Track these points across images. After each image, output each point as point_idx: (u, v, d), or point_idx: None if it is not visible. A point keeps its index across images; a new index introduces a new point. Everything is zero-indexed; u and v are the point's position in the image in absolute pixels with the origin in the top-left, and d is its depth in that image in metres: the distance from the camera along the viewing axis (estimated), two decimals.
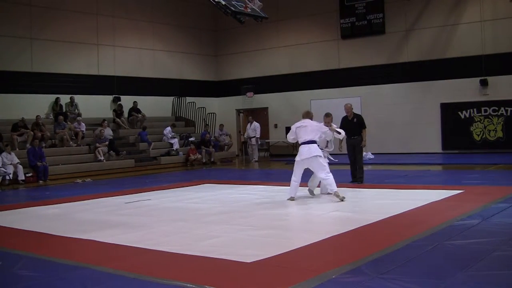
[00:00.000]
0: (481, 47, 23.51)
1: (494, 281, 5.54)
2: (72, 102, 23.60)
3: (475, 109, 23.65)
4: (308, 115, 12.22)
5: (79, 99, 23.90)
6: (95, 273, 6.54)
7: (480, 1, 23.62)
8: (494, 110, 23.26)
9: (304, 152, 11.73)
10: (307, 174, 12.20)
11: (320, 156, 11.76)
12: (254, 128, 26.38)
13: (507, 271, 5.88)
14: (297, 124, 12.04)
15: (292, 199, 11.96)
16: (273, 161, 26.64)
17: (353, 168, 14.79)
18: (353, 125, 14.60)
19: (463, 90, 23.81)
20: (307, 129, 11.80)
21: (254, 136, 26.17)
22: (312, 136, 11.75)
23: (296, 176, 11.99)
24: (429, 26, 24.81)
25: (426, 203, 10.77)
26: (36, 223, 10.41)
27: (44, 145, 20.71)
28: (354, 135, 14.52)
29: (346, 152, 14.86)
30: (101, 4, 25.43)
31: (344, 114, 14.89)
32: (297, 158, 11.89)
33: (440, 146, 24.49)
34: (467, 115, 23.84)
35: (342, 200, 11.35)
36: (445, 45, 24.45)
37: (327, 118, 12.60)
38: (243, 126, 29.30)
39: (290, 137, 12.28)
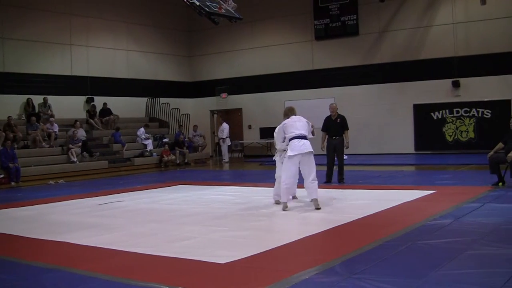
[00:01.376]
0: (453, 49, 23.73)
1: (466, 280, 5.58)
2: (45, 103, 23.39)
3: (447, 110, 23.86)
4: (293, 111, 11.08)
5: (52, 99, 23.66)
6: (68, 275, 6.50)
7: (453, 3, 23.84)
8: (466, 111, 23.48)
9: (297, 146, 10.27)
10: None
11: (313, 153, 10.50)
12: (222, 129, 26.45)
13: (478, 270, 5.95)
14: (284, 122, 10.81)
15: (286, 206, 10.54)
16: (247, 162, 26.64)
17: (329, 168, 14.81)
18: (336, 125, 14.67)
19: (435, 91, 24.02)
20: (297, 124, 10.58)
21: (222, 137, 26.21)
22: (305, 131, 10.53)
23: (288, 176, 10.48)
24: (402, 28, 24.98)
25: (399, 203, 10.85)
26: (8, 225, 10.30)
27: (16, 146, 20.49)
28: (336, 136, 14.57)
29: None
30: (74, 3, 25.20)
31: (326, 114, 14.95)
32: (289, 153, 10.32)
33: (413, 146, 24.67)
34: (440, 116, 24.04)
35: (318, 209, 10.35)
36: (418, 46, 24.63)
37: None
38: (217, 127, 29.31)
39: (279, 141, 10.91)
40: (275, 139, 11.21)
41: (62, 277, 6.43)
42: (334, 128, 14.64)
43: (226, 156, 26.48)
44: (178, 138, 25.72)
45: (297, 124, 10.61)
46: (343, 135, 14.72)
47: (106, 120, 25.44)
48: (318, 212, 10.31)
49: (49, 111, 23.36)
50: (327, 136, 14.77)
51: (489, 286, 5.37)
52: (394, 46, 25.23)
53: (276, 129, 11.11)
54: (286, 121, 10.77)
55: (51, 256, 7.59)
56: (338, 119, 14.77)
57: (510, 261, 6.20)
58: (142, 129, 25.47)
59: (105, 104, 25.70)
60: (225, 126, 26.59)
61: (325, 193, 12.96)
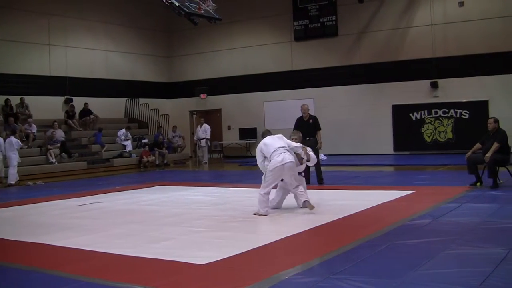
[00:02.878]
0: (431, 50, 23.89)
1: (444, 279, 5.62)
2: (22, 103, 23.20)
3: (426, 111, 24.01)
4: (269, 132, 11.05)
5: (30, 100, 23.47)
6: (47, 277, 6.46)
7: (431, 5, 24.00)
8: (444, 112, 23.63)
9: (279, 159, 10.10)
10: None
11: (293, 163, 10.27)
12: (204, 130, 26.37)
13: (456, 269, 5.98)
14: (265, 140, 10.62)
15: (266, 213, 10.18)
16: (226, 162, 26.62)
17: (305, 169, 14.75)
18: (309, 126, 14.57)
19: (414, 92, 24.17)
20: (277, 140, 10.50)
21: (204, 138, 26.15)
22: (284, 144, 10.40)
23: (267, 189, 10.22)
24: (381, 29, 25.11)
25: (378, 203, 10.91)
26: None
27: None
28: (308, 137, 14.45)
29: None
30: (53, 3, 25.04)
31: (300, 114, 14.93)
32: (275, 165, 10.09)
33: (392, 147, 24.80)
34: (418, 117, 24.19)
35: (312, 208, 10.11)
36: (397, 47, 24.76)
37: (295, 136, 11.24)
38: (197, 127, 29.26)
39: (259, 160, 10.56)
40: (257, 157, 10.74)
41: (41, 279, 6.39)
42: (306, 129, 14.43)
43: (206, 157, 26.44)
44: (158, 139, 25.65)
45: (275, 142, 10.45)
46: (316, 135, 14.63)
47: (83, 121, 25.26)
48: (297, 213, 10.31)
49: (27, 111, 23.17)
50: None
51: (467, 285, 5.41)
52: (373, 47, 25.34)
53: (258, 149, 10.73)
54: (264, 142, 10.58)
55: (30, 258, 7.52)
56: (310, 120, 14.69)
57: (487, 260, 6.25)
58: (122, 130, 25.35)
59: (86, 104, 25.53)
60: (208, 127, 26.54)
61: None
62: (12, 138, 18.91)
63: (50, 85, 24.85)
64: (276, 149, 10.19)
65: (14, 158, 18.74)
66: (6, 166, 18.95)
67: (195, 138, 27.09)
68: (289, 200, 10.84)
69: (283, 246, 7.59)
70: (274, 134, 10.86)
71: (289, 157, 10.15)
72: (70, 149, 22.79)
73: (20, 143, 19.28)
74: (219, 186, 14.91)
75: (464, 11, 23.26)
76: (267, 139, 10.56)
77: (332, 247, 7.19)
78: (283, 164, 10.02)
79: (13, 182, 18.56)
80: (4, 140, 18.99)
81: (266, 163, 10.32)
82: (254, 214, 10.18)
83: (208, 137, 26.37)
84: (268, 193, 10.20)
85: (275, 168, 10.04)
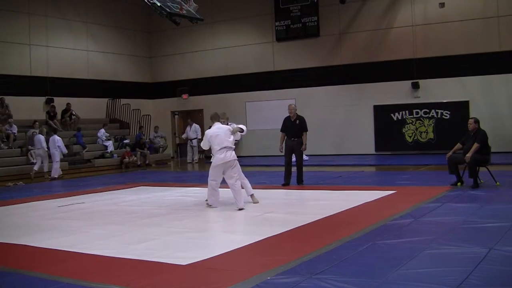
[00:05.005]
0: (412, 51, 24.02)
1: (425, 279, 5.66)
2: (2, 103, 23.02)
3: (407, 111, 24.13)
4: (217, 118, 11.72)
5: (10, 100, 23.27)
6: (27, 279, 6.43)
7: (412, 6, 24.13)
8: (425, 112, 23.77)
9: (222, 156, 11.15)
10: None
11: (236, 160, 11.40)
12: (195, 130, 26.46)
13: (437, 269, 6.02)
14: (208, 133, 11.43)
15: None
16: (208, 163, 26.49)
17: (286, 170, 14.70)
18: (295, 127, 14.51)
19: (395, 92, 24.30)
20: (219, 139, 11.23)
21: (196, 138, 26.17)
22: (227, 142, 11.24)
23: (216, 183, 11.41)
24: (363, 30, 25.21)
25: (359, 203, 10.95)
26: None
27: None
28: (294, 137, 14.43)
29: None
30: (33, 3, 24.89)
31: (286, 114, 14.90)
32: (217, 162, 11.22)
33: (373, 147, 24.90)
34: (400, 117, 24.31)
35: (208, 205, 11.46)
36: (378, 48, 24.87)
37: (224, 117, 11.91)
38: (179, 128, 29.21)
39: (206, 144, 11.57)
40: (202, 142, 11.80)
41: (21, 280, 6.36)
42: (292, 129, 14.50)
43: (196, 156, 26.60)
44: (139, 139, 25.58)
45: (219, 138, 11.24)
46: (302, 136, 14.59)
47: (64, 122, 25.10)
48: (278, 213, 10.37)
49: (7, 111, 23.00)
50: (285, 137, 14.69)
51: (448, 284, 5.44)
52: (354, 47, 25.43)
53: (202, 142, 11.82)
54: (210, 133, 11.40)
55: (10, 260, 7.49)
56: (297, 121, 14.57)
57: (468, 259, 6.29)
58: (102, 130, 25.25)
59: (68, 104, 25.36)
60: (198, 127, 26.64)
61: (285, 195, 13.07)
62: (55, 136, 20.80)
63: (31, 85, 24.68)
64: (222, 148, 11.11)
65: (57, 154, 20.56)
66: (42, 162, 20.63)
67: (183, 137, 27.14)
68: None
69: (265, 247, 7.59)
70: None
71: (230, 156, 11.17)
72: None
73: (62, 141, 20.96)
74: (201, 186, 14.88)
75: (445, 12, 23.43)
76: (216, 131, 11.33)
77: (313, 247, 7.21)
78: (225, 162, 11.12)
79: (56, 176, 20.41)
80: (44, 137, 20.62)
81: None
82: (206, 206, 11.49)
83: (200, 137, 26.41)
84: (218, 184, 11.37)
85: (219, 165, 11.17)
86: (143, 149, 25.33)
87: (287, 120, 14.73)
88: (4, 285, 6.18)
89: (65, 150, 21.29)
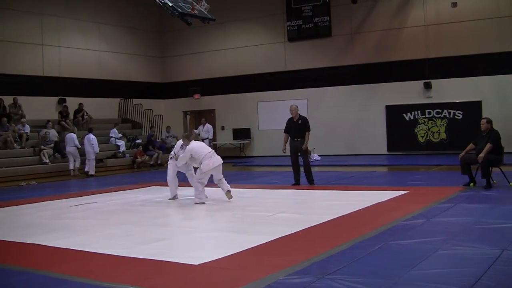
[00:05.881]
0: (424, 51, 23.93)
1: (437, 279, 5.63)
2: (15, 104, 23.12)
3: (419, 111, 24.05)
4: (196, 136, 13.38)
5: (23, 100, 23.39)
6: (40, 278, 6.43)
7: (424, 6, 24.05)
8: (437, 113, 23.68)
9: (211, 163, 11.97)
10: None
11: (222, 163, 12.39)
12: (207, 130, 26.53)
13: (450, 270, 5.99)
14: (190, 148, 12.14)
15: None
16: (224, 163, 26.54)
17: (295, 171, 14.72)
18: (297, 127, 14.52)
19: (407, 92, 24.22)
20: (204, 146, 12.43)
21: (207, 138, 26.22)
22: (210, 150, 12.30)
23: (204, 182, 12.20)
24: (374, 30, 25.14)
25: (371, 204, 10.91)
26: None
27: None
28: (297, 137, 14.44)
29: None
30: (46, 3, 24.99)
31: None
32: (210, 167, 11.96)
33: (385, 147, 24.83)
34: (412, 117, 24.22)
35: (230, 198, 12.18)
36: (390, 48, 24.79)
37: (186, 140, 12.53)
38: (190, 128, 29.20)
39: (186, 159, 12.28)
40: (182, 159, 12.39)
41: (33, 280, 6.37)
42: (295, 129, 14.54)
43: None
44: (149, 139, 25.60)
45: (205, 146, 12.50)
46: (304, 136, 14.57)
47: (76, 121, 25.17)
48: (290, 213, 10.42)
49: (20, 111, 23.11)
50: (289, 138, 14.71)
51: (460, 285, 5.41)
52: (366, 47, 25.37)
53: (183, 154, 12.34)
54: (194, 145, 12.17)
55: (22, 259, 7.51)
56: (299, 121, 14.59)
57: (481, 260, 6.26)
58: (114, 130, 25.28)
59: (80, 104, 25.46)
60: (210, 127, 26.69)
61: (296, 195, 13.07)
62: (90, 135, 21.69)
63: (43, 85, 24.78)
64: (206, 154, 11.96)
65: (92, 153, 21.47)
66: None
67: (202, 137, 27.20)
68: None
69: (277, 247, 7.58)
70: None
71: (219, 159, 12.14)
72: (64, 150, 22.71)
73: (96, 139, 21.92)
74: (213, 186, 14.89)
75: (457, 12, 23.33)
76: (196, 144, 12.30)
77: (325, 248, 7.20)
78: (218, 166, 12.04)
79: (93, 173, 21.36)
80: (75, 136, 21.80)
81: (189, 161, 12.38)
82: (195, 203, 11.97)
83: (211, 137, 26.51)
84: (204, 185, 12.11)
85: (208, 171, 11.92)
86: (154, 148, 25.29)
87: (289, 121, 14.78)
88: (17, 284, 6.21)
89: (97, 149, 21.99)
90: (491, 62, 22.69)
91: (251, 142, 28.32)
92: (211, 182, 12.45)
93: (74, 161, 21.52)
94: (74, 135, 21.73)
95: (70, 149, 21.48)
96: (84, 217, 10.88)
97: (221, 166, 12.21)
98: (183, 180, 12.71)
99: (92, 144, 21.50)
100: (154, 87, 30.48)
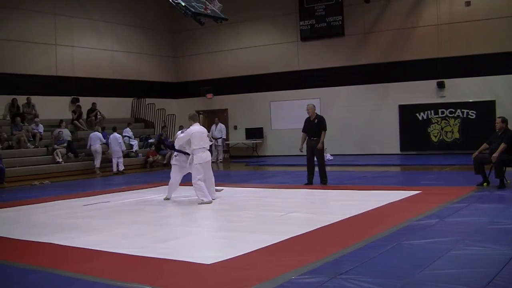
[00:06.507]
0: (438, 50, 23.84)
1: (450, 280, 5.61)
2: (28, 103, 23.25)
3: (432, 111, 23.96)
4: (197, 116, 13.01)
5: (36, 100, 23.53)
6: (53, 276, 6.46)
7: (437, 5, 23.95)
8: (451, 112, 23.58)
9: (204, 156, 12.19)
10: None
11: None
12: (220, 130, 26.67)
13: (463, 270, 5.97)
14: (192, 130, 12.26)
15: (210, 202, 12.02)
16: (233, 162, 26.65)
17: (308, 170, 14.74)
18: (314, 126, 14.57)
19: (420, 92, 24.12)
20: (203, 138, 12.31)
21: (221, 137, 26.26)
22: (205, 145, 12.31)
23: (202, 178, 12.15)
24: (387, 29, 25.07)
25: (384, 203, 10.89)
26: None
27: (0, 146, 20.39)
28: (313, 137, 14.49)
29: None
30: (59, 3, 25.09)
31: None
32: (199, 161, 12.10)
33: (398, 147, 24.75)
34: (425, 117, 24.14)
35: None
36: (403, 47, 24.71)
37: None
38: (207, 127, 29.21)
39: (184, 140, 12.49)
40: (180, 140, 12.65)
41: (47, 278, 6.40)
42: (311, 129, 14.61)
43: (221, 156, 26.84)
44: (159, 138, 25.63)
45: (204, 137, 12.32)
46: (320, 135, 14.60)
47: (89, 121, 25.29)
48: (302, 213, 10.44)
49: (33, 111, 23.24)
50: (307, 138, 14.74)
51: (474, 286, 5.39)
52: (379, 47, 25.31)
53: (183, 134, 12.65)
54: (195, 131, 12.22)
55: (36, 257, 7.54)
56: (316, 120, 14.65)
57: (494, 260, 6.23)
58: (127, 129, 25.33)
59: (94, 104, 25.57)
60: (223, 127, 26.89)
61: (309, 194, 13.05)
62: (116, 134, 22.74)
63: (57, 85, 24.89)
64: (202, 148, 12.10)
65: (120, 151, 22.50)
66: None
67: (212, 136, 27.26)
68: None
69: (289, 246, 7.58)
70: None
71: (208, 156, 12.29)
72: (77, 149, 22.83)
73: (121, 138, 23.22)
74: (226, 186, 14.90)
75: (471, 10, 23.21)
76: (201, 130, 12.34)
77: (337, 247, 7.19)
78: (208, 161, 12.24)
79: (122, 170, 22.35)
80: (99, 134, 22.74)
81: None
82: (199, 204, 11.84)
83: (224, 137, 26.60)
84: (203, 179, 12.01)
85: (202, 163, 12.04)
86: (164, 148, 25.30)
87: (307, 121, 14.83)
88: (30, 283, 6.23)
89: (124, 147, 23.24)
90: (505, 61, 22.56)
91: (263, 142, 28.31)
92: (218, 181, 12.47)
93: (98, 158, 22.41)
94: (99, 134, 22.56)
95: (96, 147, 22.28)
96: (96, 217, 10.92)
97: (210, 163, 12.49)
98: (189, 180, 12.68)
99: (120, 142, 22.61)
100: (167, 87, 30.55)
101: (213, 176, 12.57)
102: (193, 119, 12.55)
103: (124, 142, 24.74)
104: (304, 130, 14.85)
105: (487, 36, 22.92)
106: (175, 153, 13.20)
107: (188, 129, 12.37)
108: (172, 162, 13.34)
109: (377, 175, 17.24)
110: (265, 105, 27.92)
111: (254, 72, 28.43)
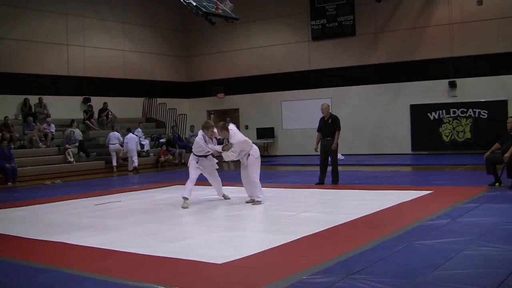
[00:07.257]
0: (449, 50, 23.76)
1: (462, 280, 5.59)
2: (40, 103, 23.35)
3: (444, 111, 23.88)
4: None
5: (48, 100, 23.63)
6: (64, 275, 6.48)
7: (449, 4, 23.87)
8: (462, 112, 23.51)
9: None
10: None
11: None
12: None
13: (475, 270, 5.95)
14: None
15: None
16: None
17: (320, 169, 14.72)
18: (327, 126, 14.56)
19: (432, 91, 24.04)
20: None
21: None
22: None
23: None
24: (399, 28, 25.00)
25: (395, 203, 10.86)
26: (4, 225, 10.26)
27: (12, 146, 20.48)
28: (327, 136, 14.48)
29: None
30: (71, 3, 25.18)
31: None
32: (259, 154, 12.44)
33: (410, 147, 24.69)
34: (436, 117, 24.07)
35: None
36: (415, 47, 24.64)
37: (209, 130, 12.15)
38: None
39: (243, 146, 12.11)
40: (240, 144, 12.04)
41: (58, 277, 6.41)
42: (325, 128, 14.60)
43: None
44: (169, 139, 25.65)
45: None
46: (334, 135, 14.58)
47: (101, 121, 25.37)
48: (314, 213, 10.43)
49: (45, 111, 23.33)
50: (321, 137, 14.74)
51: (486, 286, 5.37)
52: (390, 46, 25.25)
53: (238, 138, 12.05)
54: (240, 135, 12.16)
55: (47, 257, 7.57)
56: (330, 120, 14.64)
57: (506, 261, 6.21)
58: (138, 129, 25.37)
59: (105, 103, 25.66)
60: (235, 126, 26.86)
61: (320, 194, 13.04)
62: (132, 134, 23.46)
63: (68, 84, 24.98)
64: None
65: (135, 150, 23.16)
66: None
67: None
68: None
69: (300, 246, 7.57)
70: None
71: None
72: (88, 149, 22.91)
73: (138, 138, 24.09)
74: (237, 185, 14.90)
75: (482, 10, 23.08)
76: (238, 132, 12.24)
77: (349, 247, 7.17)
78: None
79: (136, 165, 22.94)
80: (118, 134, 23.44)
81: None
82: (253, 204, 11.60)
83: None
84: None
85: (259, 157, 12.24)
86: (174, 147, 25.29)
87: (321, 120, 14.82)
88: (41, 282, 6.25)
89: (139, 147, 24.03)
90: None
91: (275, 141, 28.31)
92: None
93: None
94: (118, 133, 23.29)
95: (114, 146, 23.14)
96: (108, 216, 10.94)
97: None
98: (201, 180, 12.68)
99: (136, 142, 23.41)
100: (178, 87, 30.58)
101: (219, 178, 12.78)
102: (226, 128, 11.86)
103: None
104: (318, 130, 14.85)
105: (499, 35, 22.82)
106: (196, 158, 12.30)
107: (234, 132, 11.98)
108: (195, 165, 12.24)
109: (389, 175, 17.20)
110: (276, 104, 27.91)
111: (265, 72, 28.41)
